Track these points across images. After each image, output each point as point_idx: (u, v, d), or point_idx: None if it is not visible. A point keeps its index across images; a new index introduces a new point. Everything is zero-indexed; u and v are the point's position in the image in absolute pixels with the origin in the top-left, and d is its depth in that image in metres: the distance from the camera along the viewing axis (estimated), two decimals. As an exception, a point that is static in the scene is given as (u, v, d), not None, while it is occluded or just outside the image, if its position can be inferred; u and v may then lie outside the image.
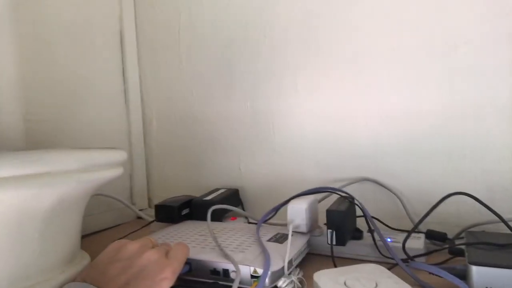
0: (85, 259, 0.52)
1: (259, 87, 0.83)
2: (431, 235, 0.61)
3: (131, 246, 0.42)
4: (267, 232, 0.61)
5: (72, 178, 0.42)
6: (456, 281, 0.44)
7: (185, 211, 0.75)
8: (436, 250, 0.55)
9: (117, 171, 0.50)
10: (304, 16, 0.77)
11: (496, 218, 0.52)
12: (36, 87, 0.71)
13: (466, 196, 0.55)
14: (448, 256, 0.54)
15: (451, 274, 0.46)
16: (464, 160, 0.66)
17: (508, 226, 0.48)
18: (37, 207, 0.40)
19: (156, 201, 0.90)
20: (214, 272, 0.50)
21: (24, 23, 0.53)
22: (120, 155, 0.50)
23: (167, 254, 0.44)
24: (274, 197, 0.82)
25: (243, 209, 0.85)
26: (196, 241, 0.57)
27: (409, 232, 0.55)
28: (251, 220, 0.72)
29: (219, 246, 0.53)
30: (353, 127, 0.74)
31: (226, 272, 0.49)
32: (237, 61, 0.85)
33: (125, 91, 0.93)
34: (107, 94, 0.89)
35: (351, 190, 0.72)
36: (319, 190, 0.63)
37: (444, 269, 0.47)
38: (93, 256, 0.52)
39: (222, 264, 0.49)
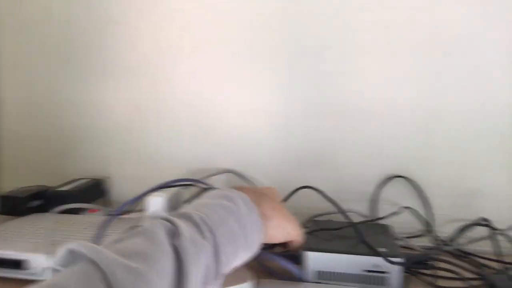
0: None
1: (135, 73, 0.79)
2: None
3: None
4: (124, 226, 0.58)
5: None
6: (288, 266, 0.48)
7: (36, 203, 0.68)
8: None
9: None
10: None
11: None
12: None
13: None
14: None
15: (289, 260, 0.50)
16: (317, 158, 0.72)
17: (343, 213, 0.54)
18: None
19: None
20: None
21: None
22: None
23: None
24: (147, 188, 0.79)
25: (109, 200, 0.80)
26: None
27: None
28: (111, 213, 0.68)
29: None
30: (219, 120, 0.76)
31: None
32: (111, 43, 0.79)
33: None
34: None
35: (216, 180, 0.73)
36: (180, 181, 0.63)
37: (285, 256, 0.51)
38: None
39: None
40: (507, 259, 0.55)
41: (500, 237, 0.57)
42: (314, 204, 0.71)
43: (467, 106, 0.67)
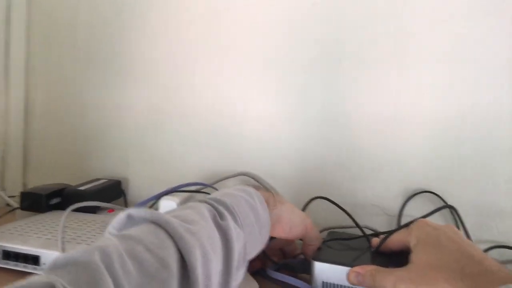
0: None
1: (156, 77, 0.80)
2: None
3: None
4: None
5: None
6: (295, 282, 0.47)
7: (55, 200, 0.70)
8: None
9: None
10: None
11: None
12: None
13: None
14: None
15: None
16: (334, 167, 0.71)
17: (357, 226, 0.53)
18: None
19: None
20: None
21: None
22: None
23: None
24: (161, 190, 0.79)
25: (126, 201, 0.81)
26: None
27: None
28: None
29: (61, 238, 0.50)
30: (235, 126, 0.76)
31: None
32: (135, 48, 0.81)
33: (6, 66, 0.84)
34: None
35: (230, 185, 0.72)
36: (190, 185, 0.63)
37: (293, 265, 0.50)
38: None
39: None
40: None
41: None
42: (329, 216, 0.69)
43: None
